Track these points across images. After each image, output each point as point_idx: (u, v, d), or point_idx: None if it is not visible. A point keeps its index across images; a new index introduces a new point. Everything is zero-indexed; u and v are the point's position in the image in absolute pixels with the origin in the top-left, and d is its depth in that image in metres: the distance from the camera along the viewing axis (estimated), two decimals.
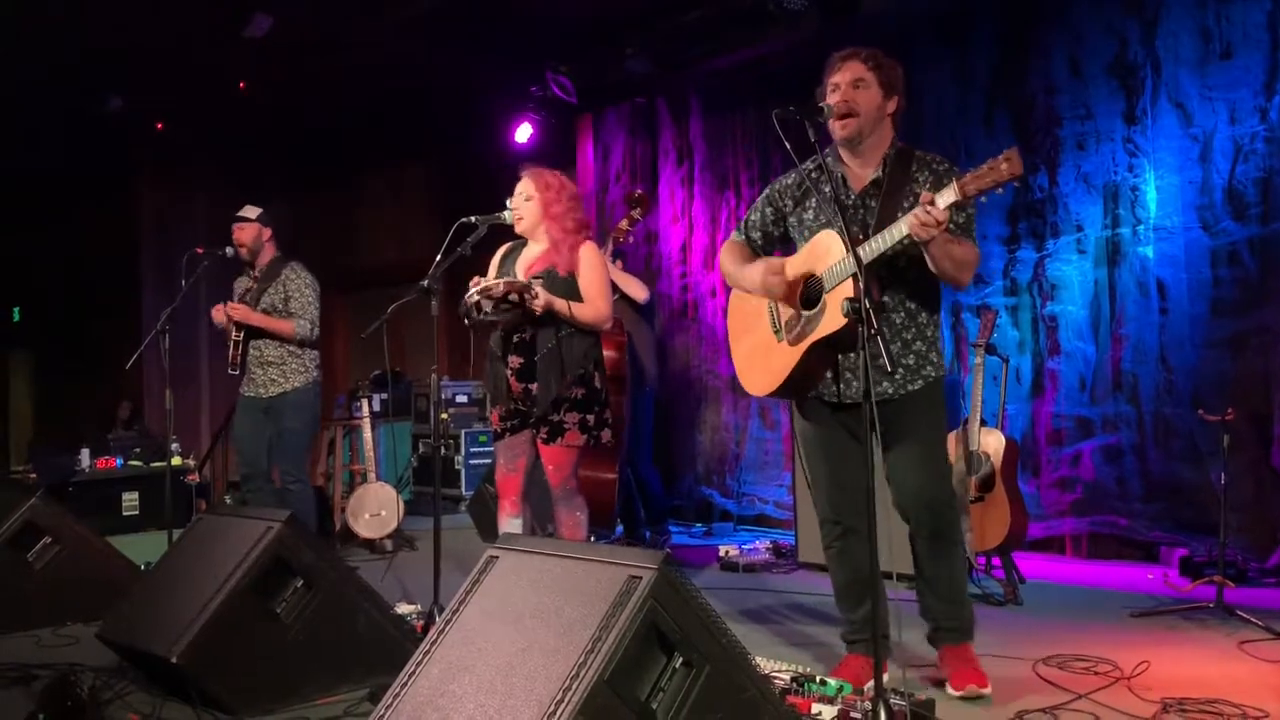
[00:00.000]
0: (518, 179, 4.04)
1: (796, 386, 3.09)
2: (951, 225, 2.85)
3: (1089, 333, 5.19)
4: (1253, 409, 4.60)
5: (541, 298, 3.74)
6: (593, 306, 3.87)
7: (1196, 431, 4.73)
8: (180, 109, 8.26)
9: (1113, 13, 5.11)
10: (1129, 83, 5.06)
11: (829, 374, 3.08)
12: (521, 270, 3.96)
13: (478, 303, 3.72)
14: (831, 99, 3.00)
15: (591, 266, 3.91)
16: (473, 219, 3.87)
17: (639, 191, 5.95)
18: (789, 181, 3.22)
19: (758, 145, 6.65)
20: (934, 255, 2.85)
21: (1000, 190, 2.67)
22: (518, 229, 3.99)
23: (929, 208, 2.70)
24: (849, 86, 2.99)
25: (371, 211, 9.80)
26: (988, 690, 3.01)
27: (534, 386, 3.84)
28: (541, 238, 3.98)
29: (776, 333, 3.09)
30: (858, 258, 2.65)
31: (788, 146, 2.73)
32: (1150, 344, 4.98)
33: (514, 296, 3.73)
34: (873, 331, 2.55)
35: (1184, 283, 4.88)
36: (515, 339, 3.87)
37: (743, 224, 3.33)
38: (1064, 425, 5.26)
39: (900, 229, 2.79)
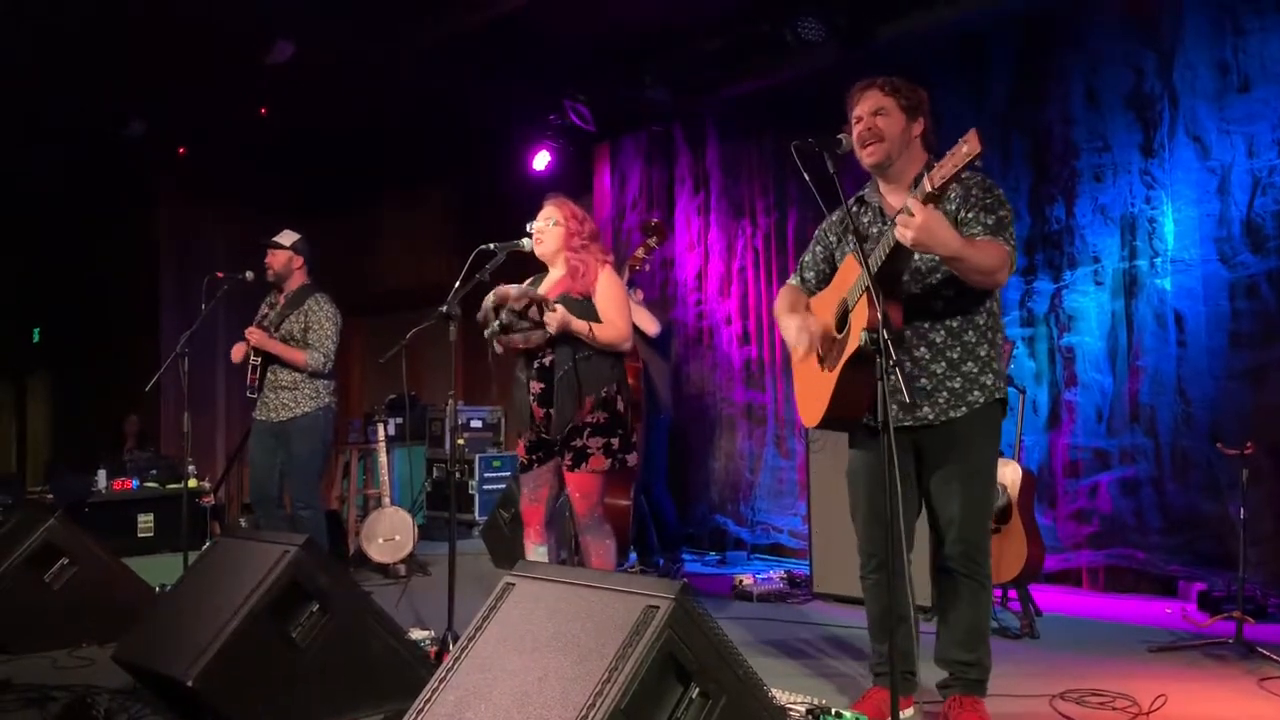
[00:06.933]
0: (537, 206, 4.04)
1: (841, 414, 3.00)
2: (979, 228, 2.87)
3: (1106, 364, 5.18)
4: (1272, 442, 4.57)
5: (558, 313, 3.74)
6: (612, 326, 3.85)
7: (1215, 464, 4.71)
8: (201, 132, 8.35)
9: (1130, 44, 5.13)
10: (1146, 115, 5.07)
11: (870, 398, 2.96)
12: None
13: (495, 307, 3.73)
14: (855, 130, 3.03)
15: (609, 286, 3.91)
16: (492, 246, 3.89)
17: (655, 220, 5.97)
18: (834, 219, 3.23)
19: (774, 173, 6.67)
20: (951, 265, 2.79)
21: (966, 173, 2.64)
22: (538, 251, 3.97)
23: (906, 208, 2.66)
24: (870, 115, 3.02)
25: (389, 236, 9.87)
26: None
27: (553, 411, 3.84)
28: (560, 264, 3.98)
29: (821, 362, 3.05)
30: (868, 270, 2.66)
31: (806, 178, 2.73)
32: (1168, 376, 4.96)
33: (533, 312, 3.73)
34: (891, 362, 2.53)
35: (1202, 315, 4.87)
36: (536, 364, 3.87)
37: (799, 265, 3.33)
38: (1081, 457, 5.23)
39: (893, 236, 2.74)
